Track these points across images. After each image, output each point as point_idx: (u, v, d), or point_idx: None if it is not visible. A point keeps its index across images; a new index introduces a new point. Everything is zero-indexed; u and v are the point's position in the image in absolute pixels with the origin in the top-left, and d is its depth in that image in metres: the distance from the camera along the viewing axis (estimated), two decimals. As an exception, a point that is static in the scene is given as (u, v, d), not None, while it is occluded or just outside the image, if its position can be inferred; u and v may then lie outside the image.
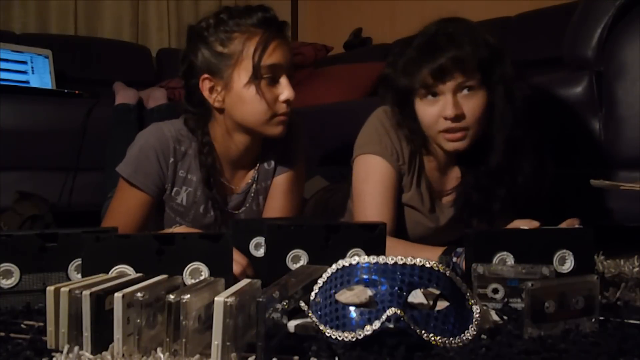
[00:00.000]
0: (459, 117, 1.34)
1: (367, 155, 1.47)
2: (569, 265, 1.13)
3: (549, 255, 1.12)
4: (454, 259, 1.22)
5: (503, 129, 1.37)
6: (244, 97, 1.35)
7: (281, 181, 1.53)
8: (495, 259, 1.10)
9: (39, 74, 2.74)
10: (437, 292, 0.85)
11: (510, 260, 1.11)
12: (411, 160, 1.47)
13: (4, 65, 2.60)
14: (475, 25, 1.40)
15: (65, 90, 2.54)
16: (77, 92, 2.52)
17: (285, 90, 1.36)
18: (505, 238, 1.12)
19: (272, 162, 1.53)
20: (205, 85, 1.38)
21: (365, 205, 1.46)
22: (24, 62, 2.72)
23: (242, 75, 1.34)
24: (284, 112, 1.38)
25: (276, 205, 1.53)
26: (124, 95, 2.42)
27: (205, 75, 1.37)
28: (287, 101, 1.37)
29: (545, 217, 1.29)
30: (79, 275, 1.01)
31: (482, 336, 0.84)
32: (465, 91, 1.34)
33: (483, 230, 1.40)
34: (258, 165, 1.52)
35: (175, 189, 1.45)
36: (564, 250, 1.13)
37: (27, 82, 2.68)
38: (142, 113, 2.37)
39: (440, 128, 1.37)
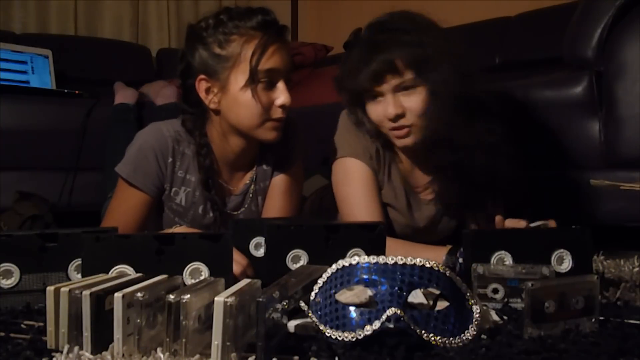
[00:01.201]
0: (399, 115, 1.36)
1: (343, 159, 1.49)
2: (567, 264, 1.13)
3: (547, 254, 1.12)
4: (460, 260, 1.22)
5: (437, 125, 1.36)
6: (240, 100, 1.34)
7: (279, 181, 1.53)
8: (493, 259, 1.11)
9: (39, 74, 2.74)
10: (437, 292, 0.85)
11: (508, 259, 1.11)
12: (378, 156, 1.48)
13: (4, 65, 2.60)
14: (414, 22, 1.39)
15: (65, 90, 2.54)
16: (77, 92, 2.52)
17: (281, 95, 1.35)
18: (503, 238, 1.12)
19: (270, 163, 1.53)
20: (201, 86, 1.38)
21: (351, 208, 1.46)
22: (24, 62, 2.71)
23: (239, 78, 1.33)
24: (279, 117, 1.37)
25: (275, 205, 1.52)
26: (123, 95, 2.42)
27: (202, 76, 1.37)
28: (283, 106, 1.36)
29: (546, 217, 1.29)
30: (79, 275, 1.01)
31: (482, 336, 0.84)
32: (403, 90, 1.36)
33: (481, 229, 1.40)
34: (256, 166, 1.52)
35: (174, 189, 1.45)
36: (562, 250, 1.13)
37: (27, 82, 2.68)
38: (142, 112, 2.37)
39: (387, 127, 1.39)
